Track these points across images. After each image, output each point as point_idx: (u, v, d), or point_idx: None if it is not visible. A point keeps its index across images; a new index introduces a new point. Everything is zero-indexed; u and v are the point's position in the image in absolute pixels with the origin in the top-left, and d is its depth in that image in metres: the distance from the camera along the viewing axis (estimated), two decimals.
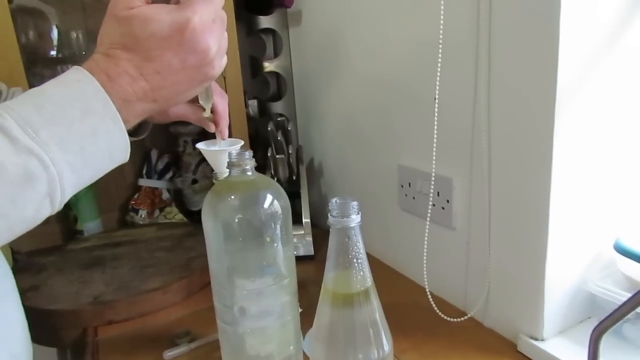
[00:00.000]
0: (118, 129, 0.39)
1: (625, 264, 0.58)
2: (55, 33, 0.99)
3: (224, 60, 0.45)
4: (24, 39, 0.93)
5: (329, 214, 0.40)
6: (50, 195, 0.36)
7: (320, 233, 0.97)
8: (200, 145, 0.57)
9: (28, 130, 0.34)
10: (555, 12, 0.49)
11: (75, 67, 0.39)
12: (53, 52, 0.99)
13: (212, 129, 0.57)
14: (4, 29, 0.77)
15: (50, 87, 0.38)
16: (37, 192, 0.35)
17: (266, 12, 1.02)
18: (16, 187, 0.34)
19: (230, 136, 0.59)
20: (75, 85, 0.38)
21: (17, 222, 0.36)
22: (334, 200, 0.40)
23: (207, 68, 0.42)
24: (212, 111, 0.57)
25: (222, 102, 0.56)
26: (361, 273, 0.41)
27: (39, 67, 0.97)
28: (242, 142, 0.58)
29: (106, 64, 0.39)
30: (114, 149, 0.40)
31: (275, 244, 0.48)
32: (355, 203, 0.40)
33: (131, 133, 0.60)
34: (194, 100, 0.57)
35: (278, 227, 0.48)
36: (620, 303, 0.47)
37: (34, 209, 0.36)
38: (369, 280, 0.41)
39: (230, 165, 0.48)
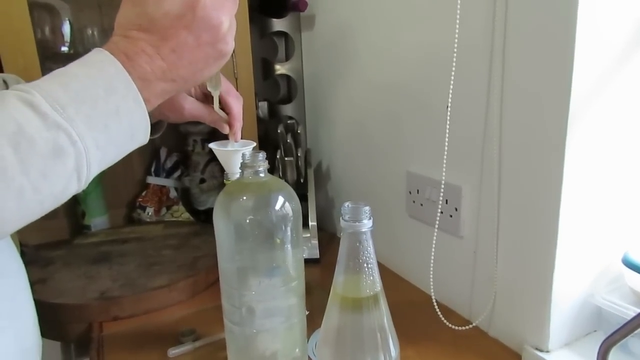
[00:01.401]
0: (139, 108, 0.40)
1: (633, 278, 0.58)
2: (67, 28, 0.99)
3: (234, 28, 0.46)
4: (39, 34, 0.94)
5: (340, 218, 0.40)
6: (78, 170, 0.37)
7: (326, 236, 0.97)
8: (212, 146, 0.57)
9: (56, 107, 0.35)
10: (571, 21, 0.49)
11: (97, 48, 0.40)
12: (64, 48, 1.00)
13: (226, 130, 0.58)
14: (22, 23, 0.78)
15: (75, 67, 0.39)
16: (66, 167, 0.36)
17: (280, 15, 1.03)
18: (47, 161, 0.35)
19: (240, 137, 0.60)
20: (98, 65, 0.39)
21: (47, 197, 0.36)
22: (346, 204, 0.40)
23: (220, 44, 0.43)
24: (227, 113, 0.58)
25: (237, 105, 0.57)
26: (371, 278, 0.41)
27: (49, 62, 0.98)
28: (254, 144, 0.58)
29: (125, 44, 0.40)
30: (135, 129, 0.41)
31: (286, 246, 0.48)
32: (367, 208, 0.40)
33: None
34: (209, 102, 0.58)
35: (289, 229, 0.48)
36: (627, 317, 0.47)
37: (63, 184, 0.37)
38: (378, 285, 0.41)
39: (243, 166, 0.48)
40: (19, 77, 0.58)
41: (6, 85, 0.56)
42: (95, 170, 0.39)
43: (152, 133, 0.61)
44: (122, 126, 0.39)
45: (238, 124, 0.57)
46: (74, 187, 0.38)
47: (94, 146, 0.37)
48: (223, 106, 0.58)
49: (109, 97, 0.38)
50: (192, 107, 0.57)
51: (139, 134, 0.42)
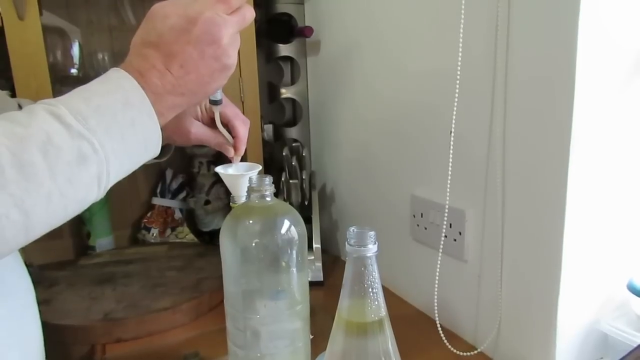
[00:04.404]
0: (152, 121, 0.43)
1: (639, 304, 0.58)
2: (76, 50, 1.01)
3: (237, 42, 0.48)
4: (51, 58, 0.96)
5: (346, 242, 0.41)
6: (99, 177, 0.40)
7: (330, 259, 0.97)
8: (219, 169, 0.58)
9: (79, 118, 0.38)
10: (572, 48, 0.50)
11: (114, 68, 0.44)
12: (74, 70, 1.02)
13: (230, 153, 0.59)
14: (36, 47, 0.80)
15: (95, 85, 0.42)
16: (89, 173, 0.39)
17: (286, 41, 1.05)
18: (72, 168, 0.38)
19: (245, 159, 0.61)
20: (116, 82, 0.42)
21: (71, 202, 0.39)
22: (351, 229, 0.41)
23: (223, 58, 0.45)
24: (233, 136, 0.59)
25: (243, 128, 0.59)
26: (376, 302, 0.41)
27: (59, 84, 1.00)
28: (260, 167, 0.59)
29: (138, 62, 0.43)
30: (149, 140, 0.44)
31: (291, 270, 0.49)
32: (372, 233, 0.40)
33: None
34: (215, 126, 0.59)
35: (294, 252, 0.48)
36: (633, 344, 0.47)
37: (85, 190, 0.39)
38: (383, 310, 0.42)
39: (250, 190, 0.49)
40: (32, 102, 0.60)
41: (21, 109, 0.57)
42: (114, 179, 0.42)
43: (160, 156, 0.63)
44: (137, 138, 0.42)
45: (242, 147, 0.59)
46: (94, 193, 0.40)
47: (112, 155, 0.40)
48: (229, 129, 0.59)
49: (126, 111, 0.41)
50: (198, 131, 0.59)
51: (152, 146, 0.44)
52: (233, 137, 0.59)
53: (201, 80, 0.45)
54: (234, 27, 0.45)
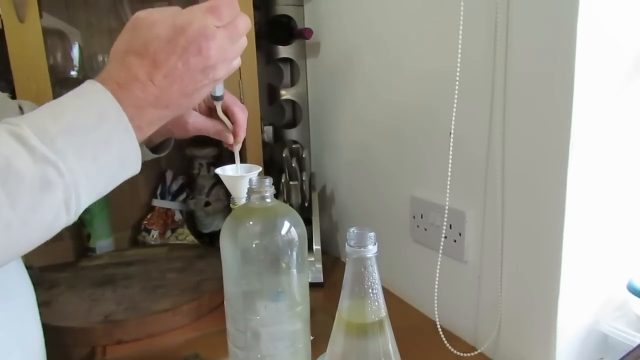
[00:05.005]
0: (129, 138, 0.40)
1: (639, 305, 0.58)
2: (76, 52, 1.01)
3: (237, 62, 0.46)
4: (51, 60, 0.96)
5: (346, 244, 0.41)
6: (66, 202, 0.37)
7: (330, 260, 0.97)
8: (219, 171, 0.58)
9: (45, 139, 0.36)
10: (571, 47, 0.50)
11: (90, 80, 0.41)
12: (73, 72, 1.02)
13: (230, 140, 0.58)
14: (36, 50, 0.80)
15: (67, 99, 0.39)
16: (54, 200, 0.36)
17: (286, 43, 1.05)
18: (35, 194, 0.35)
19: (245, 161, 0.61)
20: (90, 96, 0.40)
21: (35, 230, 0.37)
22: (351, 230, 0.41)
23: (209, 70, 0.43)
24: (232, 122, 0.58)
25: (242, 115, 0.58)
26: (376, 303, 0.41)
27: (59, 86, 1.00)
28: (260, 169, 0.59)
29: (118, 72, 0.41)
30: (126, 158, 0.41)
31: (291, 271, 0.49)
32: (372, 234, 0.40)
33: (154, 150, 0.62)
34: (212, 115, 0.59)
35: (294, 253, 0.49)
36: (633, 344, 0.47)
37: (51, 216, 0.37)
38: (383, 311, 0.42)
39: (250, 191, 0.49)
40: (33, 104, 0.60)
41: (21, 111, 0.58)
42: (86, 201, 0.39)
43: (159, 151, 0.63)
44: (112, 156, 0.40)
45: (242, 134, 0.58)
46: (63, 219, 0.38)
47: (83, 177, 0.37)
48: (229, 116, 0.58)
49: (100, 128, 0.38)
50: (196, 121, 0.58)
51: (130, 163, 0.42)
52: (232, 123, 0.58)
53: (185, 91, 0.43)
54: (223, 39, 0.43)
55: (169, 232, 1.12)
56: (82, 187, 0.37)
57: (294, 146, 1.03)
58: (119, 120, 0.39)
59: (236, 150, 0.59)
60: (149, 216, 1.12)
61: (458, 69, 0.62)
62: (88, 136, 0.38)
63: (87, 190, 0.38)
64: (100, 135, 0.38)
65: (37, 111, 0.38)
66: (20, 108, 0.57)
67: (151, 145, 0.61)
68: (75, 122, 0.37)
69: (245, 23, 0.45)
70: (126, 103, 0.40)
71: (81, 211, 0.39)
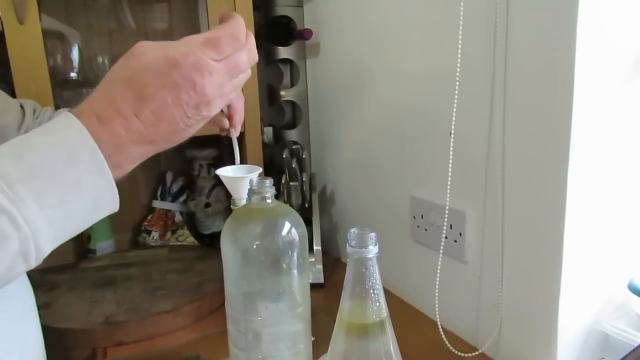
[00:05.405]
0: (104, 178, 0.37)
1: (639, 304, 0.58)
2: (75, 54, 1.01)
3: (243, 75, 0.43)
4: (51, 62, 0.97)
5: (347, 244, 0.41)
6: (23, 253, 0.34)
7: (331, 261, 0.97)
8: (219, 172, 0.58)
9: (2, 186, 0.33)
10: (571, 47, 0.50)
11: (66, 112, 0.38)
12: (73, 74, 1.02)
13: (226, 124, 0.55)
14: (36, 52, 0.80)
15: (36, 135, 0.36)
16: (8, 251, 0.33)
17: (285, 44, 1.06)
18: None
19: (245, 162, 0.60)
20: (62, 133, 0.36)
21: None
22: (352, 230, 0.41)
23: (203, 107, 0.40)
24: (227, 106, 0.55)
25: (238, 101, 0.54)
26: (377, 304, 0.41)
27: (59, 88, 1.00)
28: (261, 169, 0.59)
29: (101, 104, 0.38)
30: (100, 201, 0.37)
31: (292, 271, 0.49)
32: (373, 234, 0.40)
33: None
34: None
35: (295, 254, 0.48)
36: (634, 344, 0.47)
37: (5, 266, 0.34)
38: (384, 312, 0.42)
39: (251, 192, 0.49)
40: (35, 102, 0.60)
41: (23, 110, 0.57)
42: (50, 247, 0.36)
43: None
44: (83, 199, 0.36)
45: (238, 117, 0.54)
46: (21, 267, 0.35)
47: (45, 224, 0.34)
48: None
49: (69, 170, 0.35)
50: None
51: (105, 204, 0.38)
52: (227, 106, 0.55)
53: (175, 128, 0.39)
54: (221, 75, 0.40)
55: (169, 234, 1.12)
56: (42, 235, 0.34)
57: (294, 147, 1.03)
58: (93, 161, 0.36)
59: (234, 136, 0.56)
60: (149, 217, 1.12)
61: (458, 69, 0.62)
62: (54, 179, 0.34)
63: (52, 236, 0.35)
64: (69, 177, 0.35)
65: (0, 150, 0.35)
66: (22, 107, 0.57)
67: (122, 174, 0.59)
68: (40, 163, 0.34)
69: (248, 57, 0.42)
70: (104, 140, 0.36)
71: (45, 256, 0.36)
